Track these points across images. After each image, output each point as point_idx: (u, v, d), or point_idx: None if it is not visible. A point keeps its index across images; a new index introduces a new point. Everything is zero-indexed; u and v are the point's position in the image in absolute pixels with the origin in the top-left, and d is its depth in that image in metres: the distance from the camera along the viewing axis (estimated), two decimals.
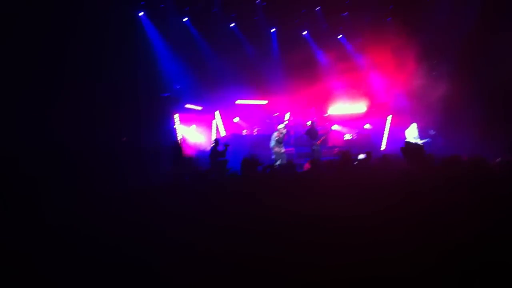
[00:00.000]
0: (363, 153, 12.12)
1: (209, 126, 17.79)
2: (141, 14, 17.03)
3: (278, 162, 14.04)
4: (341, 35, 20.38)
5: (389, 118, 18.09)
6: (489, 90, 16.19)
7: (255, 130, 18.61)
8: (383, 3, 18.36)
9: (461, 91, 16.45)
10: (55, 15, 12.53)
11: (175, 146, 13.89)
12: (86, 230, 4.73)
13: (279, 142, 14.67)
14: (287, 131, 15.45)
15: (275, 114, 19.02)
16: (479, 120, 16.15)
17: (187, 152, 16.20)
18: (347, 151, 8.96)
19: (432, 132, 15.91)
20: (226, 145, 13.36)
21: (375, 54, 18.72)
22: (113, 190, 7.87)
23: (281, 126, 15.14)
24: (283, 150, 14.84)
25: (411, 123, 15.86)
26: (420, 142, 15.42)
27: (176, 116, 16.54)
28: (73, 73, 12.93)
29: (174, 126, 16.53)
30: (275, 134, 14.83)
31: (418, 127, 15.79)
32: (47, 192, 6.76)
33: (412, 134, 15.64)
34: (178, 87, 17.02)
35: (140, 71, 15.54)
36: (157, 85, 16.40)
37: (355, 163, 11.93)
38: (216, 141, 13.84)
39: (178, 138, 16.30)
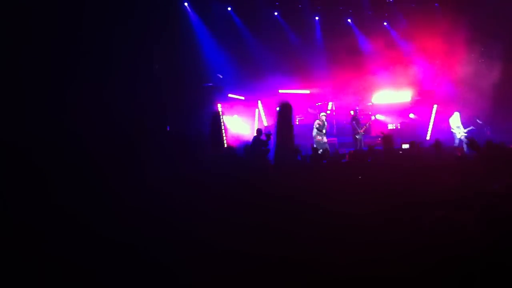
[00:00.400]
0: (406, 143, 12.04)
1: (251, 115, 17.89)
2: (186, 4, 17.25)
3: (319, 152, 14.02)
4: (386, 22, 20.01)
5: (435, 107, 17.69)
6: None
7: (298, 119, 18.58)
8: None
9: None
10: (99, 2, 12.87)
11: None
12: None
13: (319, 130, 14.66)
14: (327, 120, 15.39)
15: (318, 104, 18.91)
16: None
17: (230, 142, 16.40)
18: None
19: (479, 121, 15.53)
20: (268, 135, 13.39)
21: (421, 41, 18.31)
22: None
23: (322, 114, 15.12)
24: (325, 139, 14.81)
25: (455, 112, 15.60)
26: (463, 130, 15.16)
27: (219, 106, 16.71)
28: (117, 61, 13.25)
29: None
30: (316, 122, 14.85)
31: (461, 116, 15.51)
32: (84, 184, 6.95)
33: (455, 122, 15.41)
34: (221, 76, 17.15)
35: (183, 61, 15.78)
36: (200, 75, 16.60)
37: (400, 152, 11.88)
38: (259, 130, 13.90)
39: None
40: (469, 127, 15.36)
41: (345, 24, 20.06)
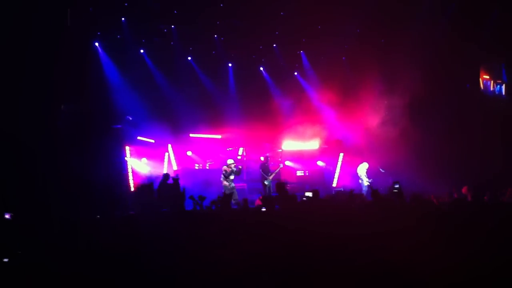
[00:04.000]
0: (310, 191, 12.25)
1: (161, 159, 17.54)
2: (96, 44, 16.93)
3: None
4: (296, 72, 20.72)
5: (341, 155, 18.32)
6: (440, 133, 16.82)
7: (208, 164, 18.49)
8: (338, 42, 18.82)
9: (412, 133, 16.93)
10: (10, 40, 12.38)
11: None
12: None
13: (225, 176, 14.69)
14: (238, 166, 15.41)
15: (229, 149, 18.94)
16: (430, 159, 16.66)
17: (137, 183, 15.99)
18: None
19: (382, 170, 16.21)
20: (175, 179, 13.11)
21: (330, 92, 19.05)
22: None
23: (230, 161, 15.13)
24: (232, 184, 14.81)
25: (362, 162, 16.18)
26: (368, 180, 15.76)
27: (127, 149, 16.30)
28: (25, 100, 12.71)
29: (125, 159, 16.28)
30: (224, 168, 14.89)
31: (370, 166, 16.14)
32: None
33: (362, 171, 15.97)
34: (131, 118, 16.80)
35: (92, 101, 15.38)
36: (110, 116, 16.17)
37: (303, 199, 12.06)
38: (166, 175, 13.57)
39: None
40: (372, 177, 15.99)
41: (258, 72, 20.50)
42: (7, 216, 8.44)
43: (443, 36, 17.31)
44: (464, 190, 13.21)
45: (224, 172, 14.77)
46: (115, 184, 15.15)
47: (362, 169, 16.16)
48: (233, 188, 14.69)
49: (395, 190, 13.09)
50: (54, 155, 13.26)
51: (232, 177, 14.77)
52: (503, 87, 19.93)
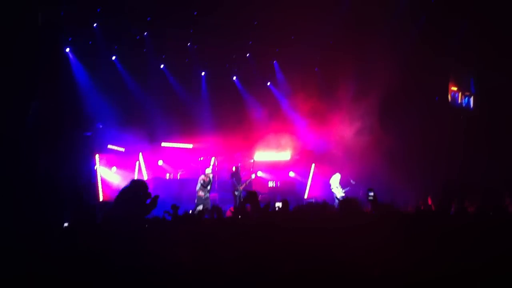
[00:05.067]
0: (280, 201, 12.23)
1: (131, 168, 17.28)
2: (67, 50, 16.62)
3: (199, 208, 13.81)
4: (269, 82, 20.75)
5: (313, 166, 18.37)
6: (407, 145, 17.03)
7: (179, 173, 18.31)
8: (311, 53, 18.95)
9: (383, 143, 17.09)
10: None
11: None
12: None
13: (203, 186, 14.50)
14: (213, 176, 15.29)
15: (200, 159, 18.82)
16: (399, 169, 16.84)
17: (107, 194, 15.72)
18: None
19: (352, 181, 16.29)
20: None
21: (302, 102, 19.12)
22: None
23: (208, 170, 14.99)
24: (207, 195, 14.64)
25: (335, 173, 16.23)
26: (342, 190, 15.82)
27: (97, 157, 16.02)
28: None
29: (95, 167, 15.98)
30: (202, 177, 14.69)
31: (341, 177, 16.20)
32: None
33: (335, 183, 16.02)
34: (101, 126, 16.51)
35: (62, 108, 15.06)
36: (80, 124, 15.86)
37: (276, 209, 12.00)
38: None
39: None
40: (346, 187, 16.06)
41: (231, 81, 20.46)
42: None
43: (413, 48, 17.56)
44: (429, 200, 13.44)
45: (202, 181, 14.53)
46: (82, 193, 14.89)
47: (335, 180, 16.21)
48: (207, 198, 14.52)
49: (370, 198, 13.18)
50: (18, 159, 12.91)
51: (209, 187, 14.62)
52: (471, 99, 20.31)
